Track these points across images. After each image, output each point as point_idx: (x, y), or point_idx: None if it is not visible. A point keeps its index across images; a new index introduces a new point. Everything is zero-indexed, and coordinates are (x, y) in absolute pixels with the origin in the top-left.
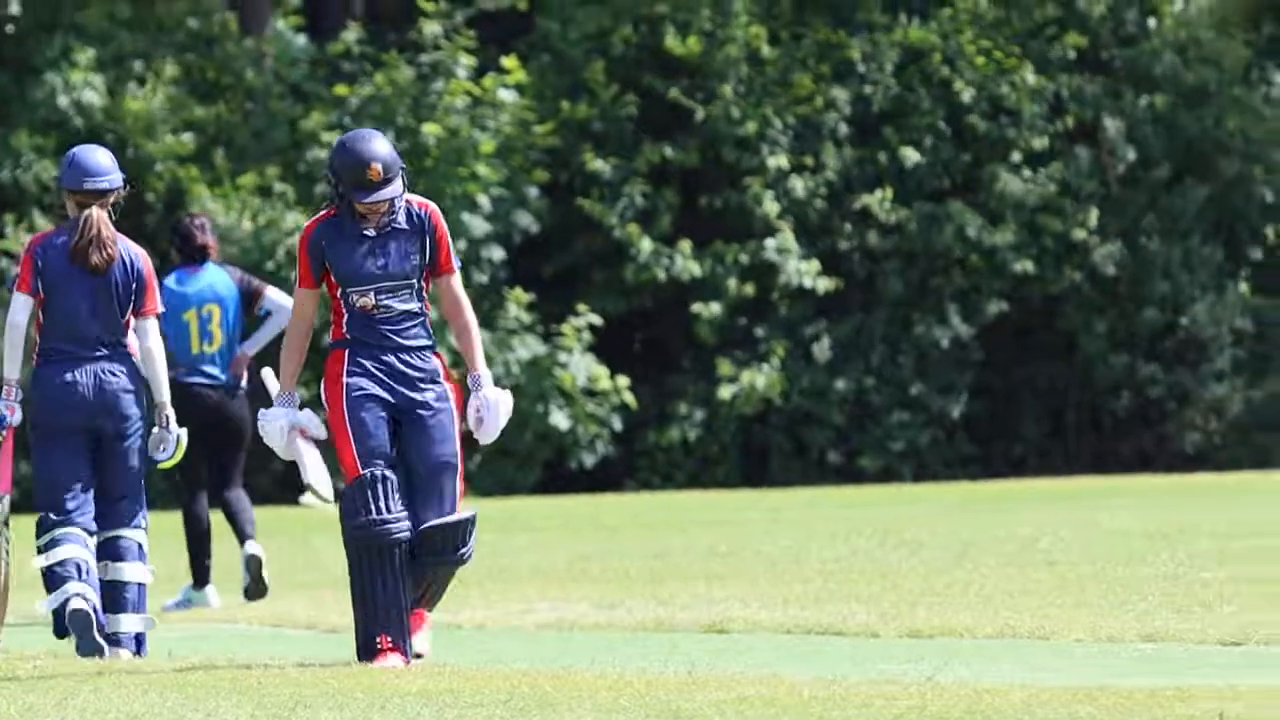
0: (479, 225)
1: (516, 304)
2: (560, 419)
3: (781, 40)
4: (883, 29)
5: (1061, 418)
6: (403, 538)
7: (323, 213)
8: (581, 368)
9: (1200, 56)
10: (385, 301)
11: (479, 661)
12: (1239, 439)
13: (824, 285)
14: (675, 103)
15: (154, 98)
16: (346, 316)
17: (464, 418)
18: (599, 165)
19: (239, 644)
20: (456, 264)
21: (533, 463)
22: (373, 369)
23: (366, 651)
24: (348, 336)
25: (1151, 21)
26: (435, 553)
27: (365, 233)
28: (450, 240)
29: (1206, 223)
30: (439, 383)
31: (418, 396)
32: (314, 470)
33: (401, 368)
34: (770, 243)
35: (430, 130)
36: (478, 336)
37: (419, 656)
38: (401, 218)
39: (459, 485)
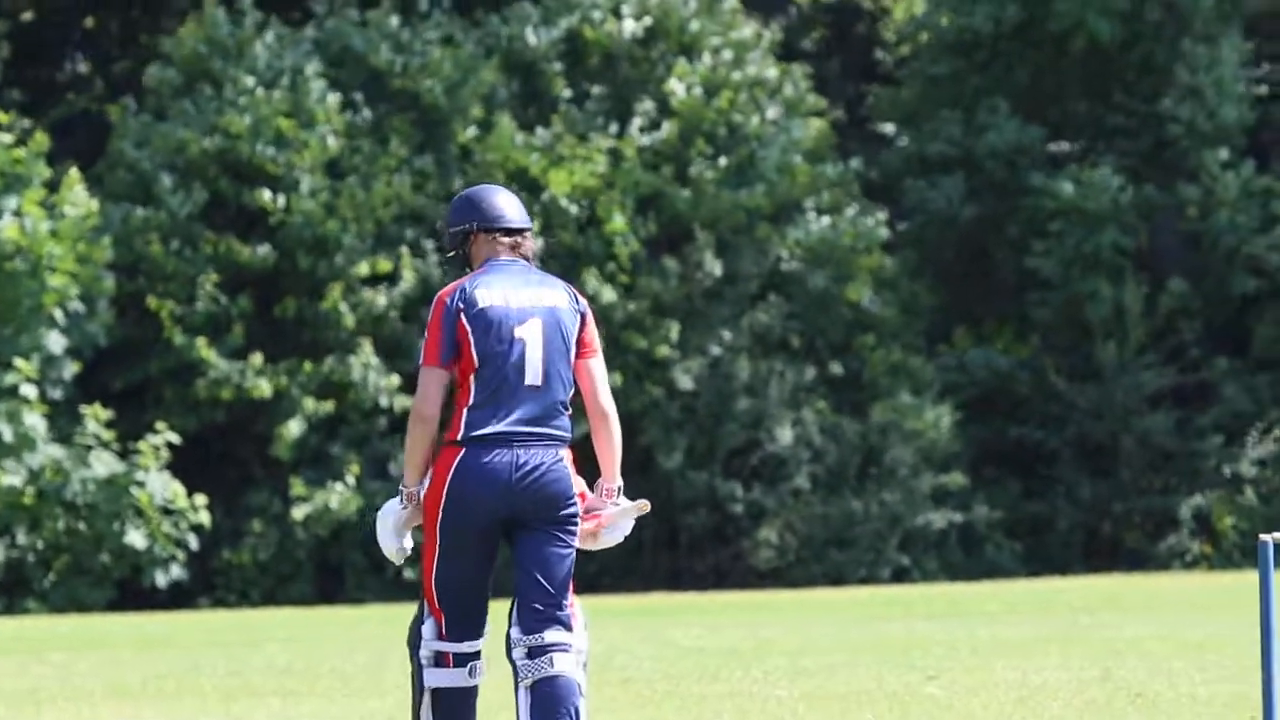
0: (56, 340)
1: (94, 420)
2: (136, 537)
3: (363, 151)
4: (474, 141)
5: (638, 534)
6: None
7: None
8: (159, 485)
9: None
10: None
11: None
12: (814, 556)
13: (402, 403)
14: (252, 205)
15: None
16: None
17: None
18: (172, 265)
19: None
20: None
21: (107, 580)
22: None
23: None
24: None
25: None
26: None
27: None
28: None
29: (790, 339)
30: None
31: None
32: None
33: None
34: (351, 359)
35: (10, 236)
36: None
37: None
38: None
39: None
